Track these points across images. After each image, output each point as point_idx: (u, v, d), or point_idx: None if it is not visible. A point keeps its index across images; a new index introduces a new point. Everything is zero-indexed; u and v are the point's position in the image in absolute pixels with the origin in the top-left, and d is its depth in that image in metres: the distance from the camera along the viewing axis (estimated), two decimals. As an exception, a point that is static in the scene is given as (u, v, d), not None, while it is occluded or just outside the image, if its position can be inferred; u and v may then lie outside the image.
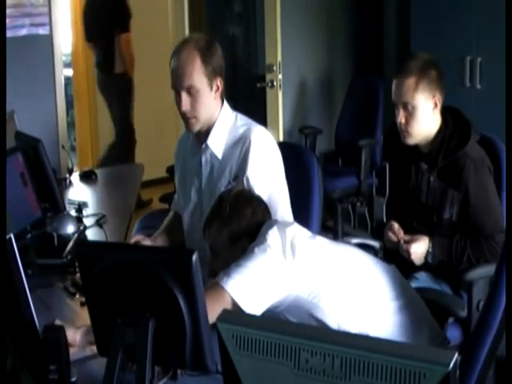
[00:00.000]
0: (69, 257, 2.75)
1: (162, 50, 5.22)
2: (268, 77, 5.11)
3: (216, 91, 2.66)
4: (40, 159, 3.23)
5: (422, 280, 2.74)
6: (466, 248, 2.70)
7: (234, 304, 2.04)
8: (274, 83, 5.09)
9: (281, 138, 5.17)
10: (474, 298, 2.58)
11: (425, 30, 5.07)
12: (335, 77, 5.90)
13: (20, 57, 4.78)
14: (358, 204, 5.24)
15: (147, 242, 2.72)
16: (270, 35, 5.10)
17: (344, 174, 5.18)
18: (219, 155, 2.71)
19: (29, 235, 2.90)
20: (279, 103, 5.14)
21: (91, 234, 3.15)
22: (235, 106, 2.79)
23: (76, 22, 6.73)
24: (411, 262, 2.73)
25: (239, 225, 2.27)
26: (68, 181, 4.10)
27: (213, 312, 1.63)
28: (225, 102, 2.74)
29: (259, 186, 2.60)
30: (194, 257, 1.68)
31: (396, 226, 2.81)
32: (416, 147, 2.85)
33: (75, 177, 4.21)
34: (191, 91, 2.61)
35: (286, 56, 5.20)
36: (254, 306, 2.05)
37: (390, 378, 1.18)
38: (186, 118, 2.66)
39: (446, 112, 2.83)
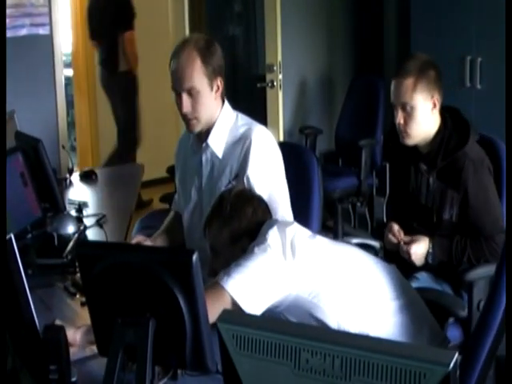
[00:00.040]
0: (69, 257, 2.75)
1: (161, 51, 5.21)
2: (268, 77, 5.11)
3: (216, 91, 2.66)
4: (40, 159, 3.23)
5: (423, 280, 2.73)
6: (466, 248, 2.70)
7: (234, 303, 2.04)
8: (275, 83, 5.09)
9: (281, 138, 5.17)
10: (474, 298, 2.58)
11: (425, 30, 5.07)
12: (335, 77, 5.91)
13: (20, 57, 4.78)
14: (358, 204, 5.24)
15: (147, 243, 2.72)
16: (270, 35, 5.10)
17: (344, 174, 5.18)
18: (220, 154, 2.71)
19: (29, 235, 2.90)
20: (279, 103, 5.14)
21: (91, 234, 3.15)
22: (235, 106, 2.79)
23: (76, 22, 6.73)
24: (412, 263, 2.73)
25: (240, 224, 2.27)
26: (68, 181, 4.10)
27: (213, 312, 1.63)
28: (225, 101, 2.74)
29: (260, 186, 2.60)
30: (194, 257, 1.68)
31: (396, 227, 2.81)
32: (415, 148, 2.84)
33: (75, 177, 4.21)
34: (192, 92, 2.61)
35: (287, 56, 5.20)
36: (254, 306, 2.05)
37: (391, 378, 1.18)
38: (186, 120, 2.66)
39: (445, 112, 2.82)
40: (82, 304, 2.40)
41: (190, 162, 2.83)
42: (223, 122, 2.71)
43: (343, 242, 3.06)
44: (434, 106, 2.77)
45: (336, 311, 2.14)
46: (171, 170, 3.29)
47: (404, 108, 2.75)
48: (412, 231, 2.80)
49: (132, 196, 3.88)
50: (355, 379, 1.21)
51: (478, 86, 4.73)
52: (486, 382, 2.05)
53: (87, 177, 4.20)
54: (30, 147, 3.23)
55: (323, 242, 2.27)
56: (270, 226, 2.20)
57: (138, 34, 6.12)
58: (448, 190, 2.74)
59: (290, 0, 5.39)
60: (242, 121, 2.75)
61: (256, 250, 2.13)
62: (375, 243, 2.97)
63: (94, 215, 3.40)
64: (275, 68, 5.07)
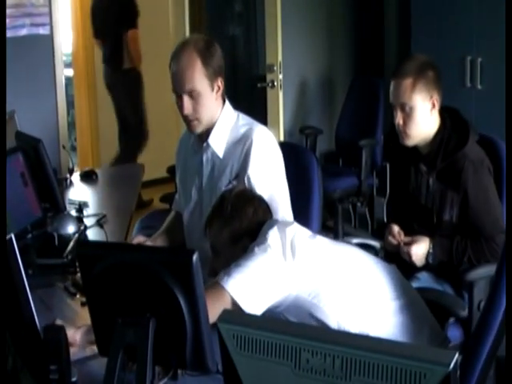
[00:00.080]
0: (69, 257, 2.75)
1: (161, 51, 5.21)
2: (268, 77, 5.11)
3: (217, 91, 2.66)
4: (40, 159, 3.23)
5: (424, 280, 2.73)
6: (467, 249, 2.70)
7: (234, 303, 2.04)
8: (275, 83, 5.09)
9: (281, 138, 5.17)
10: (474, 298, 2.58)
11: (425, 30, 5.07)
12: (336, 77, 5.91)
13: (20, 57, 4.78)
14: (359, 204, 5.24)
15: (148, 243, 2.72)
16: (270, 35, 5.10)
17: (344, 174, 5.18)
18: (220, 154, 2.71)
19: (29, 235, 2.90)
20: (280, 103, 5.14)
21: (92, 234, 3.15)
22: (236, 106, 2.79)
23: (76, 22, 6.74)
24: (412, 264, 2.73)
25: (240, 224, 2.27)
26: (68, 181, 4.10)
27: (213, 312, 1.63)
28: (226, 101, 2.74)
29: (260, 186, 2.60)
30: (195, 257, 1.68)
31: (396, 229, 2.80)
32: (415, 148, 2.84)
33: (76, 177, 4.21)
34: (193, 94, 2.61)
35: (287, 56, 5.20)
36: (254, 306, 2.05)
37: (391, 378, 1.18)
38: (188, 121, 2.66)
39: (445, 112, 2.82)
40: (83, 304, 2.40)
41: (191, 161, 2.83)
42: (224, 122, 2.71)
43: (343, 242, 3.06)
44: (433, 106, 2.76)
45: (336, 311, 2.14)
46: (171, 170, 3.29)
47: (403, 108, 2.75)
48: (412, 232, 2.80)
49: (132, 196, 3.88)
50: (355, 379, 1.21)
51: (479, 86, 4.73)
52: (486, 382, 2.05)
53: (87, 177, 4.20)
54: (31, 147, 3.23)
55: (323, 242, 2.27)
56: (271, 226, 2.20)
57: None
58: (448, 191, 2.74)
59: (291, 0, 5.39)
60: (243, 121, 2.75)
61: (256, 250, 2.13)
62: (375, 243, 2.97)
63: (94, 215, 3.40)
64: (275, 68, 5.06)
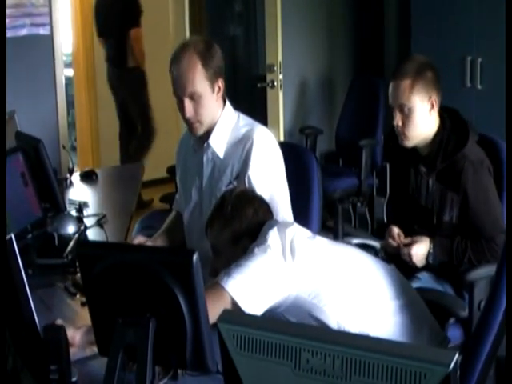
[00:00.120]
0: (69, 257, 2.75)
1: (160, 52, 5.22)
2: (269, 77, 5.11)
3: (218, 92, 2.66)
4: (41, 159, 3.23)
5: (425, 280, 2.73)
6: (467, 250, 2.70)
7: (234, 304, 2.04)
8: (275, 83, 5.09)
9: (281, 138, 5.18)
10: (475, 298, 2.58)
11: (425, 31, 5.07)
12: (336, 77, 5.91)
13: (20, 57, 4.78)
14: (359, 204, 5.24)
15: (148, 244, 2.72)
16: (270, 35, 5.10)
17: (344, 174, 5.18)
18: (221, 154, 2.71)
19: (29, 235, 2.90)
20: (280, 103, 5.14)
21: (92, 234, 3.15)
22: (236, 106, 2.79)
23: (77, 22, 6.74)
24: (413, 265, 2.73)
25: (241, 224, 2.27)
26: (68, 181, 4.10)
27: (213, 312, 1.63)
28: (227, 101, 2.74)
29: (261, 186, 2.60)
30: (195, 257, 1.68)
31: (395, 231, 2.80)
32: (415, 149, 2.84)
33: (76, 177, 4.21)
34: (194, 97, 2.61)
35: (287, 56, 5.20)
36: (254, 307, 2.05)
37: (391, 378, 1.18)
38: (190, 124, 2.66)
39: (444, 113, 2.82)
40: (83, 304, 2.40)
41: (191, 161, 2.83)
42: (225, 122, 2.71)
43: (343, 242, 3.07)
44: (432, 107, 2.76)
45: (336, 311, 2.14)
46: (171, 170, 3.29)
47: (402, 110, 2.75)
48: (413, 233, 2.80)
49: (132, 196, 3.88)
50: (356, 379, 1.21)
51: (479, 87, 4.73)
52: (486, 382, 2.05)
53: (87, 177, 4.20)
54: (31, 147, 3.23)
55: (323, 243, 2.27)
56: (271, 227, 2.20)
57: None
58: (448, 192, 2.74)
59: (291, 0, 5.39)
60: (244, 121, 2.75)
61: (256, 250, 2.13)
62: (375, 243, 2.97)
63: (94, 215, 3.40)
64: (275, 68, 5.06)
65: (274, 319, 2.02)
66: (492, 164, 2.77)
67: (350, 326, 2.13)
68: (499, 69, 4.22)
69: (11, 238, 1.80)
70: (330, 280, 2.17)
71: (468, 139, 2.73)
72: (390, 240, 2.79)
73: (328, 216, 5.03)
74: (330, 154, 5.68)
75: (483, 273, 2.61)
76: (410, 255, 2.71)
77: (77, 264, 2.51)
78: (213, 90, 2.64)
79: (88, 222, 3.26)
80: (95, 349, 1.92)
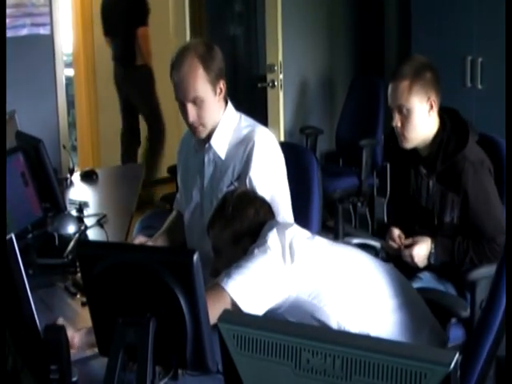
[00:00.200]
0: (70, 257, 2.75)
1: (161, 53, 5.22)
2: (269, 77, 5.11)
3: (220, 94, 2.66)
4: (41, 159, 3.23)
5: (426, 280, 2.73)
6: (469, 250, 2.69)
7: (234, 305, 2.04)
8: (275, 83, 5.09)
9: (282, 138, 5.18)
10: (476, 298, 2.57)
11: (425, 30, 5.07)
12: (336, 77, 5.91)
13: (21, 57, 4.78)
14: (359, 204, 5.24)
15: (149, 244, 2.72)
16: (270, 35, 5.10)
17: (345, 174, 5.17)
18: (222, 155, 2.71)
19: (30, 235, 2.90)
20: (280, 103, 5.14)
21: (92, 234, 3.15)
22: (236, 106, 2.79)
23: (77, 22, 6.74)
24: (415, 266, 2.72)
25: (241, 225, 2.28)
26: (69, 181, 4.10)
27: (213, 313, 1.63)
28: (229, 102, 2.74)
29: (262, 187, 2.60)
30: (195, 257, 1.68)
31: (396, 232, 2.80)
32: (415, 150, 2.83)
33: (76, 177, 4.21)
34: (196, 101, 2.60)
35: (287, 56, 5.20)
36: (254, 307, 2.05)
37: (391, 378, 1.18)
38: (193, 128, 2.66)
39: (444, 113, 2.81)
40: (83, 304, 2.40)
41: (192, 161, 2.83)
42: (226, 123, 2.71)
43: (343, 242, 3.06)
44: (431, 107, 2.75)
45: (336, 311, 2.14)
46: (172, 170, 3.29)
47: (400, 111, 2.74)
48: (413, 233, 2.79)
49: (133, 196, 3.88)
50: (356, 379, 1.21)
51: (479, 86, 4.73)
52: (487, 382, 2.05)
53: (88, 177, 4.19)
54: (31, 147, 3.23)
55: (322, 243, 2.27)
56: (270, 228, 2.20)
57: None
58: (448, 193, 2.73)
59: (291, 0, 5.39)
60: (246, 122, 2.75)
61: (256, 251, 2.13)
62: (376, 243, 2.97)
63: (94, 215, 3.40)
64: (276, 68, 5.06)
65: (274, 319, 2.02)
66: (492, 163, 2.76)
67: (350, 325, 2.14)
68: (499, 69, 4.22)
69: (11, 238, 1.80)
70: (329, 280, 2.17)
71: (468, 140, 2.73)
72: (391, 242, 2.79)
73: (328, 216, 5.03)
74: (330, 154, 5.68)
75: (485, 272, 2.60)
76: (411, 256, 2.71)
77: (77, 264, 2.51)
78: (215, 93, 2.63)
79: (88, 221, 3.26)
80: (96, 349, 1.92)
